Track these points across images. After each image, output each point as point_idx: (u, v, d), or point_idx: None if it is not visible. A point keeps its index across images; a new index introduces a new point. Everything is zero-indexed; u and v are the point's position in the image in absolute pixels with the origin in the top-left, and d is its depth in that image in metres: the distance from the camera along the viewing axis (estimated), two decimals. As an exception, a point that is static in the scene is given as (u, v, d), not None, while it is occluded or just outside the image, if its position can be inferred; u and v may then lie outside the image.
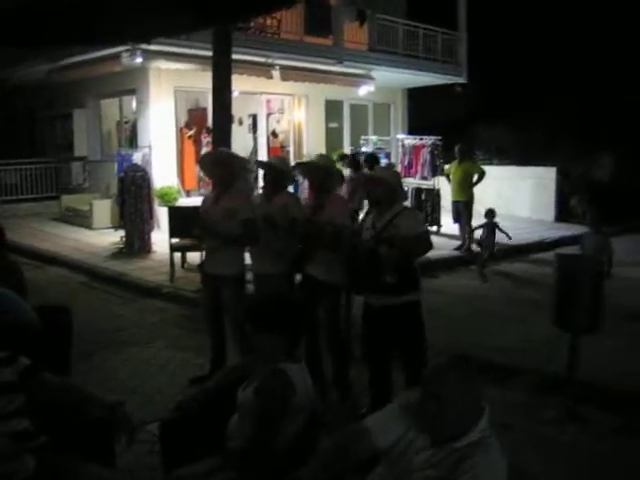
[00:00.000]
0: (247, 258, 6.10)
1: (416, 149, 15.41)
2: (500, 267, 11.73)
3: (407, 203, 13.50)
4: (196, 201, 11.63)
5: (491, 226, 11.23)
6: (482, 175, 12.55)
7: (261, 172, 7.03)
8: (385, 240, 4.68)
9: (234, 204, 5.67)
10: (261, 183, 6.66)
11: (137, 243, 12.00)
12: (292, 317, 3.38)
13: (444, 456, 2.45)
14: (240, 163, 5.97)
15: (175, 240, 9.95)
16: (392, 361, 5.06)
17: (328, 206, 5.48)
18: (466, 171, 12.55)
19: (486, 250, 11.13)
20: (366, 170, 12.21)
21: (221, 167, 5.83)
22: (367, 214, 5.45)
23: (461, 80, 19.73)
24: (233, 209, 5.63)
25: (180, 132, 15.48)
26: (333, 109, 18.47)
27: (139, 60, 12.97)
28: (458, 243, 12.67)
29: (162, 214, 12.49)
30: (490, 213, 11.30)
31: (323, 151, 16.61)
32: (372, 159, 12.33)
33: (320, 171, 5.61)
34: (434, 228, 14.10)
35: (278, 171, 5.87)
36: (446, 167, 13.68)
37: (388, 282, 4.66)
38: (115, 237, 12.81)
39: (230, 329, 5.89)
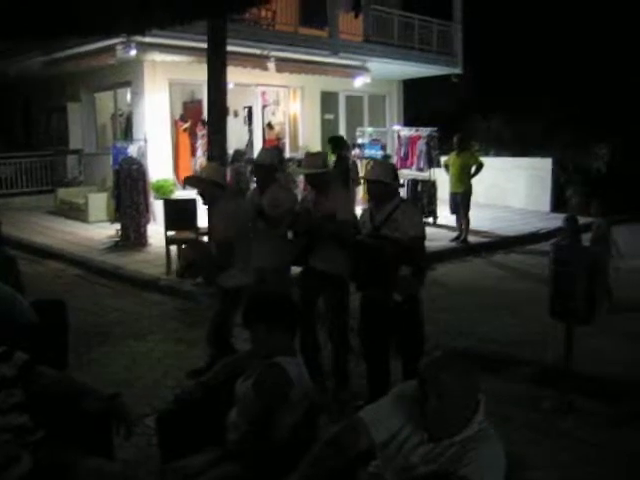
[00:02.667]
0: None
1: (412, 140, 15.39)
2: (496, 258, 11.76)
3: (403, 194, 13.61)
4: (191, 194, 11.65)
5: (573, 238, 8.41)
6: (480, 166, 12.53)
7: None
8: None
9: (217, 219, 5.73)
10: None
11: (133, 236, 11.99)
12: (285, 312, 3.39)
13: (443, 450, 2.46)
14: (219, 177, 5.89)
15: (171, 233, 9.94)
16: (390, 352, 5.07)
17: (328, 199, 5.47)
18: (464, 162, 12.48)
19: None
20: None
21: (205, 188, 5.76)
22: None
23: (457, 71, 19.69)
24: (217, 224, 5.68)
25: (175, 125, 15.45)
26: (329, 101, 18.43)
27: (133, 52, 12.92)
28: (454, 234, 12.67)
29: (158, 207, 12.47)
30: (571, 221, 8.62)
31: (319, 143, 16.66)
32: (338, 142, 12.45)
33: (318, 176, 5.58)
34: (430, 219, 14.12)
35: (264, 167, 5.91)
36: (444, 158, 13.67)
37: (395, 300, 4.70)
38: (111, 230, 12.78)
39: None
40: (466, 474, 2.34)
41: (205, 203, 5.92)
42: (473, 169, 12.51)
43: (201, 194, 5.77)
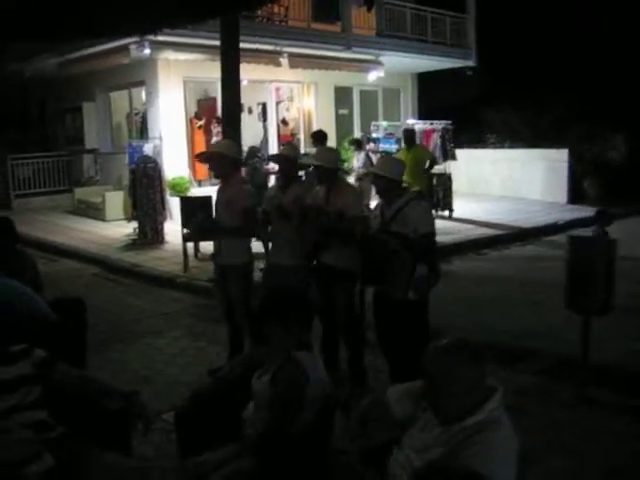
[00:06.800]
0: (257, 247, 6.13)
1: (427, 134, 15.36)
2: (513, 250, 11.70)
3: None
4: (207, 191, 11.69)
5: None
6: (434, 161, 12.26)
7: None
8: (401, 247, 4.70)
9: (233, 194, 5.69)
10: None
11: (150, 234, 12.07)
12: (301, 309, 3.40)
13: (453, 434, 2.51)
14: (234, 153, 5.94)
15: (187, 230, 9.98)
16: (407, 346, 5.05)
17: (339, 195, 5.47)
18: (416, 157, 11.82)
19: None
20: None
21: (215, 160, 5.85)
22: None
23: (470, 63, 19.62)
24: (232, 200, 5.65)
25: (190, 122, 15.49)
26: (343, 95, 18.42)
27: (147, 51, 12.98)
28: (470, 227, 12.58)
29: (174, 204, 12.54)
30: (603, 216, 7.73)
31: (333, 138, 16.65)
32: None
33: (326, 170, 5.58)
34: (446, 213, 14.08)
35: (289, 161, 5.87)
36: (374, 156, 13.59)
37: (410, 298, 4.72)
38: (128, 228, 12.88)
39: (239, 318, 5.88)
40: (468, 459, 2.37)
41: (282, 180, 5.98)
42: (427, 164, 12.21)
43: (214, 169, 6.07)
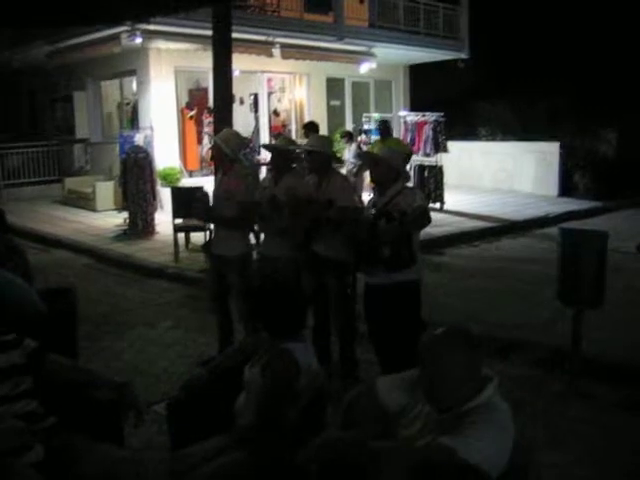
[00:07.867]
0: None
1: (418, 126, 15.33)
2: (504, 242, 11.72)
3: (410, 182, 13.55)
4: (198, 181, 11.67)
5: None
6: (409, 156, 12.19)
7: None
8: (384, 213, 4.68)
9: (232, 186, 5.68)
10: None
11: (141, 224, 12.02)
12: (294, 301, 3.38)
13: (451, 420, 2.50)
14: (231, 144, 5.92)
15: (178, 221, 9.96)
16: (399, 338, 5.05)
17: (330, 185, 5.46)
18: None
19: None
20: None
21: (215, 150, 5.84)
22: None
23: (463, 55, 19.59)
24: (231, 191, 5.65)
25: (181, 113, 15.43)
26: (334, 87, 18.40)
27: (139, 40, 12.91)
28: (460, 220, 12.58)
29: (165, 195, 12.50)
30: None
31: (325, 129, 16.63)
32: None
33: (320, 156, 5.57)
34: (437, 205, 14.09)
35: (280, 154, 5.85)
36: (365, 148, 13.48)
37: (384, 255, 4.64)
38: (119, 219, 12.83)
39: (235, 309, 5.90)
40: (464, 444, 2.35)
41: (275, 171, 5.94)
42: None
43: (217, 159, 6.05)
